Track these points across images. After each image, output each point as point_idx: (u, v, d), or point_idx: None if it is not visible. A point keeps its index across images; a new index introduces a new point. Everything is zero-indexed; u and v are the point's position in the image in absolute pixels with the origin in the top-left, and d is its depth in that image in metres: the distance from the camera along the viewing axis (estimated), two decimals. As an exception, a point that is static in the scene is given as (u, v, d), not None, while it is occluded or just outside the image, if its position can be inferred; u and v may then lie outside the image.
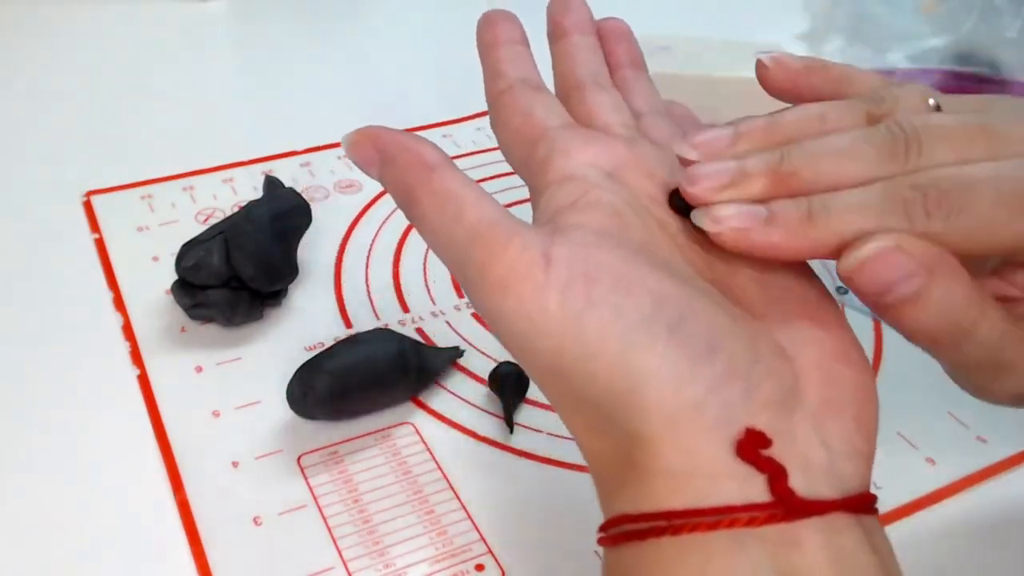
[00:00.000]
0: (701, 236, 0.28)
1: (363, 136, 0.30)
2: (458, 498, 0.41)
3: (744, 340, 0.25)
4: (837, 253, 0.26)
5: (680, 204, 0.29)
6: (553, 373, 0.26)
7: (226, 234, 0.47)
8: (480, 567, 0.38)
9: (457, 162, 0.68)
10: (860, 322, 0.51)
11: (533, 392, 0.45)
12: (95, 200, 0.57)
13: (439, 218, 0.28)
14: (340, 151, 0.63)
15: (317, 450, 0.42)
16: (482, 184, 0.63)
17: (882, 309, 0.25)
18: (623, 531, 0.25)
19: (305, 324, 0.49)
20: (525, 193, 0.60)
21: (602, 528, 0.26)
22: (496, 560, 0.39)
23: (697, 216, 0.27)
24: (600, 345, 0.25)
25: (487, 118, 0.70)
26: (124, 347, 0.47)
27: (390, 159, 0.29)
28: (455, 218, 0.27)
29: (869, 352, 0.50)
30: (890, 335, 0.51)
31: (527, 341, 0.26)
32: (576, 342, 0.25)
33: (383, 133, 0.30)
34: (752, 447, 0.24)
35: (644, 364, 0.24)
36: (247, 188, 0.59)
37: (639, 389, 0.24)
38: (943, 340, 0.26)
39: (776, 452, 0.24)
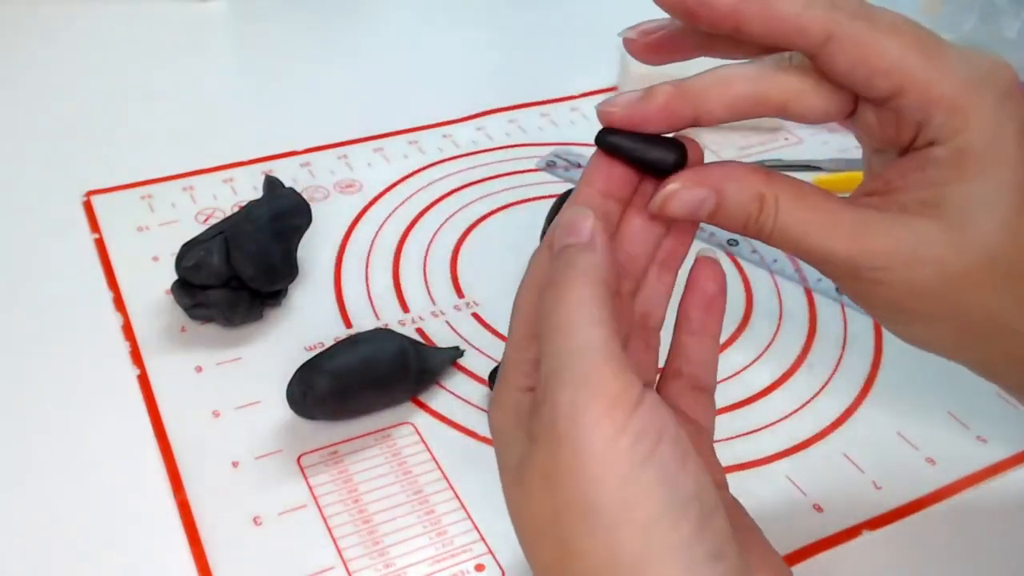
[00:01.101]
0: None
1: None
2: (458, 498, 0.41)
3: (739, 559, 0.27)
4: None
5: (603, 140, 0.31)
6: (577, 507, 0.26)
7: (226, 234, 0.47)
8: (480, 567, 0.38)
9: (457, 162, 0.69)
10: (860, 322, 0.51)
11: (533, 392, 0.45)
12: (95, 200, 0.57)
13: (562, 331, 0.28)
14: (340, 151, 0.63)
15: (317, 450, 0.42)
16: (482, 184, 0.63)
17: (704, 220, 0.31)
18: None
19: (305, 324, 0.49)
20: (524, 193, 0.60)
21: None
22: (496, 560, 0.39)
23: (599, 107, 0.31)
24: (639, 502, 0.26)
25: (487, 118, 0.70)
26: (124, 347, 0.47)
27: None
28: (569, 337, 0.28)
29: (868, 352, 0.50)
30: (890, 336, 0.50)
31: (581, 465, 0.26)
32: (622, 487, 0.26)
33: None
34: None
35: (666, 540, 0.26)
36: (247, 188, 0.59)
37: (651, 561, 0.26)
38: (749, 225, 0.30)
39: None
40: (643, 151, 0.31)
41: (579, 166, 0.62)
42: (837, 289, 0.53)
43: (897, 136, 0.30)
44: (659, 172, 0.31)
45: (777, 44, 0.29)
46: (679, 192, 0.30)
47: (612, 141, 0.31)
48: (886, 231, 0.30)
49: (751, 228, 0.30)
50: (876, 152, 0.33)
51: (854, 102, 0.30)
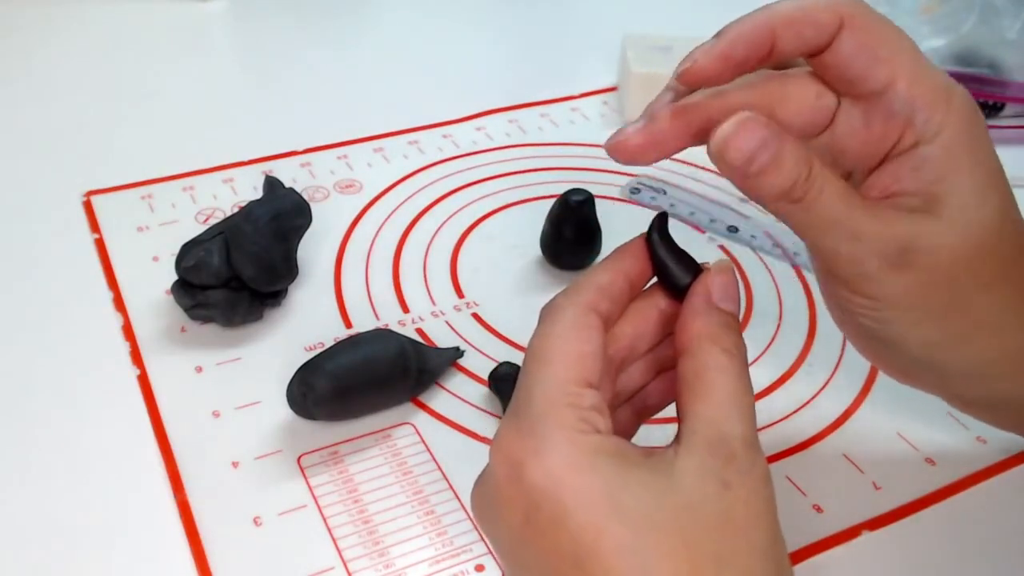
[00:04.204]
0: None
1: None
2: (458, 498, 0.41)
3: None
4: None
5: (651, 236, 0.33)
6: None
7: (226, 234, 0.47)
8: (480, 567, 0.38)
9: (457, 162, 0.69)
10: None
11: (533, 392, 0.45)
12: (95, 200, 0.57)
13: None
14: (340, 151, 0.63)
15: (317, 450, 0.43)
16: (482, 184, 0.63)
17: (748, 180, 0.30)
18: None
19: (305, 324, 0.49)
20: (524, 194, 0.60)
21: None
22: (496, 560, 0.39)
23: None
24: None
25: (487, 118, 0.70)
26: (124, 347, 0.47)
27: None
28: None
29: (869, 352, 0.50)
30: (890, 335, 0.51)
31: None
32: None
33: None
34: None
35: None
36: (247, 188, 0.59)
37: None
38: (796, 187, 0.30)
39: None
40: (668, 263, 0.32)
41: (664, 192, 0.61)
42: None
43: (881, 138, 0.32)
44: (670, 286, 0.33)
45: (798, 40, 0.31)
46: (747, 124, 0.29)
47: (655, 240, 0.32)
48: (906, 221, 0.32)
49: (797, 191, 0.30)
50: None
51: (832, 112, 0.32)
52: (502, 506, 0.29)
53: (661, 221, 0.33)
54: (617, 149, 0.32)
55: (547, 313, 0.31)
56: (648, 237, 0.33)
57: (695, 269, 0.32)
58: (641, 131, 0.31)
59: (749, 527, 0.28)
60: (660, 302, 0.33)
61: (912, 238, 0.31)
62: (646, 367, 0.34)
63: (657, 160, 0.32)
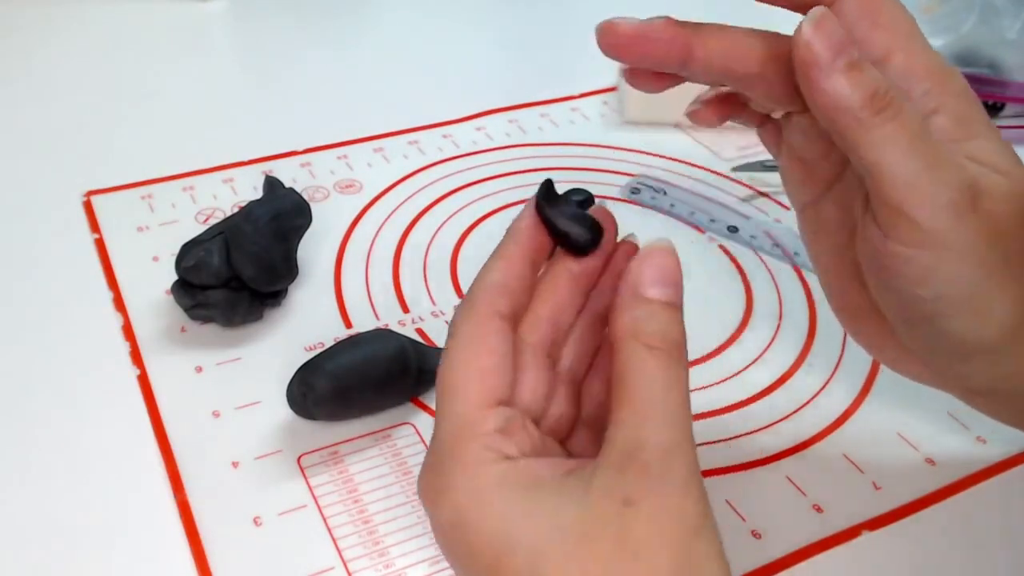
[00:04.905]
0: None
1: None
2: (458, 498, 0.41)
3: None
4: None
5: (541, 207, 0.33)
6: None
7: (226, 234, 0.47)
8: (480, 567, 0.38)
9: (457, 162, 0.68)
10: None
11: (533, 392, 0.45)
12: (95, 200, 0.57)
13: None
14: (340, 151, 0.63)
15: (317, 450, 0.43)
16: (482, 184, 0.63)
17: (831, 78, 0.28)
18: None
19: (305, 324, 0.49)
20: (524, 194, 0.60)
21: None
22: (496, 560, 0.39)
23: None
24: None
25: (487, 118, 0.70)
26: (124, 347, 0.47)
27: None
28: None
29: (869, 352, 0.50)
30: (890, 335, 0.51)
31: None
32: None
33: None
34: None
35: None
36: (247, 188, 0.59)
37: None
38: (879, 102, 0.28)
39: None
40: (567, 226, 0.32)
41: (664, 192, 0.60)
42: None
43: None
44: (574, 248, 0.32)
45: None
46: (828, 16, 0.29)
47: (545, 210, 0.32)
48: (971, 165, 0.31)
49: (880, 100, 0.29)
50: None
51: None
52: (439, 542, 0.29)
53: (548, 186, 0.32)
54: (605, 32, 0.32)
55: (448, 334, 0.30)
56: (537, 205, 0.32)
57: (596, 226, 0.32)
58: (633, 24, 0.31)
59: (647, 549, 0.25)
60: (570, 266, 0.32)
61: (978, 182, 0.30)
62: (600, 384, 0.32)
63: (639, 61, 0.32)
